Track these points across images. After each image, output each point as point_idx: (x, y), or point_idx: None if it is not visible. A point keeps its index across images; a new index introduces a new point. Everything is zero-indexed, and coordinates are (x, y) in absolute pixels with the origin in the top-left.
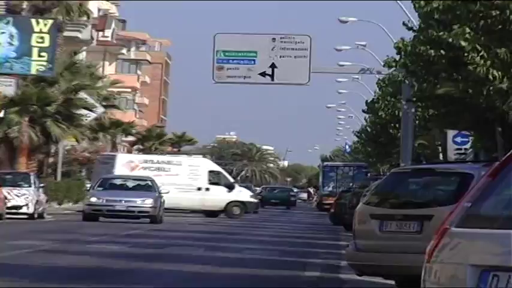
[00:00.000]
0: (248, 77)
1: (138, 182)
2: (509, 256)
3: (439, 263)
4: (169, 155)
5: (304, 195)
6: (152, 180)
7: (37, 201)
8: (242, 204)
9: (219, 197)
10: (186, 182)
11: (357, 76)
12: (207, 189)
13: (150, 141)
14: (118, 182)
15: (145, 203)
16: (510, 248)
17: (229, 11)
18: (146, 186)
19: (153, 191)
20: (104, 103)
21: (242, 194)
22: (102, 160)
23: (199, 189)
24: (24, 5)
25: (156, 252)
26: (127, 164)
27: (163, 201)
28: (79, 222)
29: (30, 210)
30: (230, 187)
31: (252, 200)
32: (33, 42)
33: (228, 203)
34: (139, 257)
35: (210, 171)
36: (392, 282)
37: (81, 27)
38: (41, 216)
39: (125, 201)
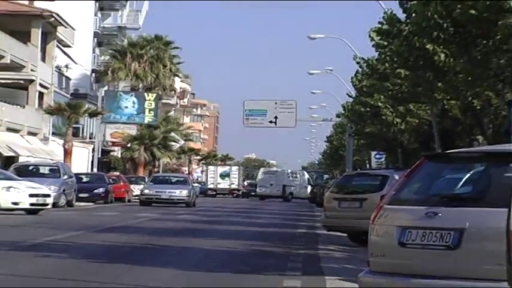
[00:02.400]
0: (262, 123)
1: (177, 178)
2: (416, 221)
3: (378, 225)
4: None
5: None
6: (187, 177)
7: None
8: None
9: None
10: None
11: (321, 122)
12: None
13: (209, 159)
14: (164, 178)
15: (182, 193)
16: (416, 216)
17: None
18: (183, 181)
19: (188, 185)
20: (184, 138)
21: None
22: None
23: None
24: (141, 85)
25: (213, 219)
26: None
27: (196, 191)
28: (139, 206)
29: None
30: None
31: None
32: (146, 106)
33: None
34: (202, 221)
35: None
36: (345, 234)
37: (171, 97)
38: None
39: (168, 192)
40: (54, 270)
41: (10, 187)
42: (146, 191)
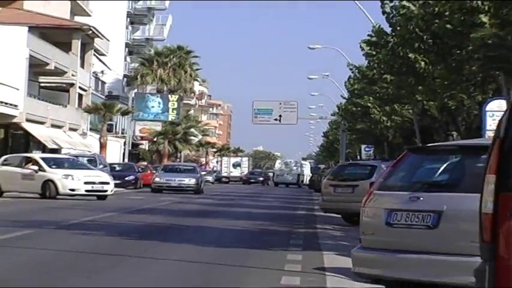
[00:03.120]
0: (268, 120)
1: (186, 167)
2: (401, 204)
3: (368, 207)
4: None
5: None
6: (196, 166)
7: (201, 181)
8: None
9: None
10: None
11: (322, 117)
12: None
13: (223, 151)
14: (174, 167)
15: (191, 181)
16: (401, 200)
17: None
18: (192, 170)
19: (196, 173)
20: (202, 133)
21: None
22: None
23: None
24: (165, 88)
25: (227, 202)
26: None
27: (204, 179)
28: (151, 193)
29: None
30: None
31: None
32: (169, 106)
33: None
34: (217, 204)
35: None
36: (340, 216)
37: (191, 98)
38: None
39: (177, 180)
40: (92, 245)
41: (68, 175)
42: (157, 179)
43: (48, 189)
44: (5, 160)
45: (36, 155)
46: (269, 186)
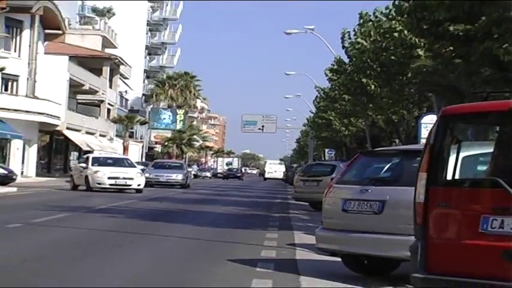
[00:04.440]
0: (253, 130)
1: (174, 164)
2: (354, 195)
3: (329, 197)
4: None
5: None
6: (183, 163)
7: (188, 177)
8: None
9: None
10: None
11: (293, 129)
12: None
13: (219, 153)
14: (163, 163)
15: (178, 176)
16: (354, 192)
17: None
18: (179, 166)
19: (183, 169)
20: (202, 139)
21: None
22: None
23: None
24: (174, 104)
25: (220, 193)
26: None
27: (190, 175)
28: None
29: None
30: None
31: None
32: (177, 118)
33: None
34: (213, 194)
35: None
36: (307, 204)
37: (194, 112)
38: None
39: (166, 176)
40: (115, 225)
41: (97, 171)
42: (147, 175)
43: (87, 182)
44: (79, 159)
45: (90, 155)
46: (248, 181)
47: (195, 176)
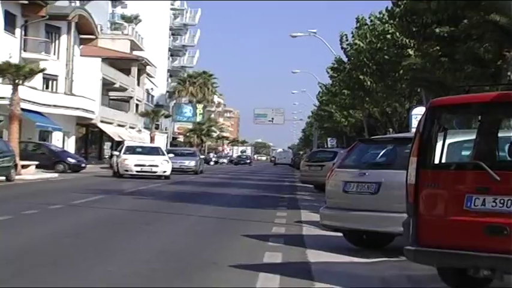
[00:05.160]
0: (264, 121)
1: (187, 151)
2: (353, 177)
3: (331, 180)
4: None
5: None
6: (196, 151)
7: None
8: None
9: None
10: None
11: (301, 119)
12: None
13: (234, 142)
14: (176, 151)
15: (191, 163)
16: (354, 175)
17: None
18: (192, 154)
19: (196, 156)
20: (219, 130)
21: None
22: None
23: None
24: (194, 100)
25: (236, 177)
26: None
27: (202, 162)
28: None
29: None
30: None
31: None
32: (197, 112)
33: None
34: (230, 178)
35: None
36: (312, 186)
37: (212, 106)
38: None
39: (179, 162)
40: (142, 206)
41: (125, 159)
42: None
43: (117, 169)
44: (115, 148)
45: (125, 144)
46: (258, 166)
47: (215, 162)
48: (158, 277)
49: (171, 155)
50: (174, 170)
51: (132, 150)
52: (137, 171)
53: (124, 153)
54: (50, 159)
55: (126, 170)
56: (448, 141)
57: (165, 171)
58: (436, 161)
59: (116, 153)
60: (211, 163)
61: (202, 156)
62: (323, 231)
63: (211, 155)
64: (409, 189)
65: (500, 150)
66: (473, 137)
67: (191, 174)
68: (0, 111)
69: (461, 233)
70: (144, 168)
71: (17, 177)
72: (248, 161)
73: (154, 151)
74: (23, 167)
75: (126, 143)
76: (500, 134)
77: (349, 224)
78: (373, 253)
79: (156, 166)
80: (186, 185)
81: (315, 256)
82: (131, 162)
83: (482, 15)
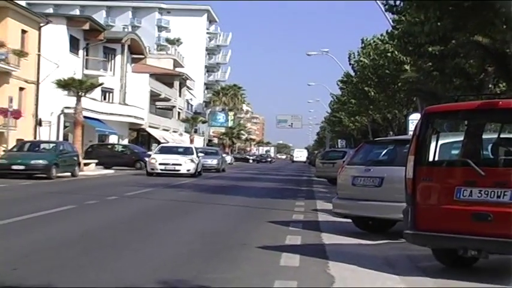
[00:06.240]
0: (284, 126)
1: (210, 150)
2: (360, 173)
3: (342, 175)
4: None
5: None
6: (218, 150)
7: (222, 162)
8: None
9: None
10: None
11: (316, 123)
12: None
13: (259, 143)
14: (200, 150)
15: (213, 162)
16: (360, 171)
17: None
18: (215, 153)
19: (218, 155)
20: (247, 133)
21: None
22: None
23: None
24: (226, 108)
25: (261, 172)
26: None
27: (225, 160)
28: (228, 164)
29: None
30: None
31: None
32: (229, 118)
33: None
34: (256, 173)
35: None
36: (326, 180)
37: (241, 113)
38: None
39: (202, 161)
40: (184, 197)
41: (153, 158)
42: None
43: (145, 168)
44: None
45: (161, 145)
46: (278, 164)
47: (246, 159)
48: (197, 256)
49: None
50: None
51: (163, 150)
52: (161, 170)
53: (155, 153)
54: (131, 159)
55: (152, 169)
56: (440, 142)
57: (188, 170)
58: (430, 159)
59: (150, 152)
60: (250, 161)
61: (224, 155)
62: (335, 218)
63: (239, 153)
64: (407, 183)
65: (484, 149)
66: (462, 138)
67: (213, 172)
68: (66, 119)
69: (452, 219)
70: (168, 167)
71: (80, 173)
72: (269, 159)
73: (187, 151)
74: (86, 164)
75: (163, 143)
76: (484, 136)
77: (357, 212)
78: (378, 236)
79: (179, 165)
80: (219, 179)
81: (328, 239)
82: (157, 161)
83: (467, 37)
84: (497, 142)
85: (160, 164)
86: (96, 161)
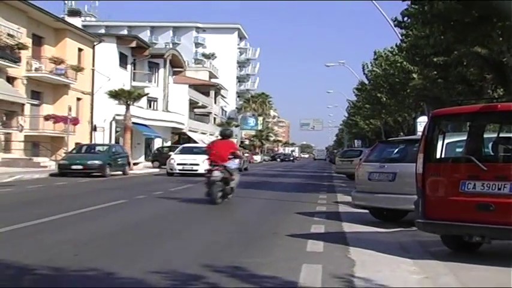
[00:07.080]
0: (307, 129)
1: None
2: (376, 169)
3: (359, 171)
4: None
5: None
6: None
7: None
8: None
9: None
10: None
11: (333, 127)
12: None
13: (286, 144)
14: None
15: (234, 161)
16: (376, 167)
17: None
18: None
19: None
20: (275, 136)
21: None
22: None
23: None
24: (256, 113)
25: (288, 169)
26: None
27: (245, 161)
28: (257, 163)
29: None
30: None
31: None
32: (258, 122)
33: None
34: (284, 170)
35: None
36: (345, 175)
37: (269, 118)
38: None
39: None
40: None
41: (172, 159)
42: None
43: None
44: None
45: (182, 145)
46: (301, 162)
47: (274, 158)
48: (234, 243)
49: None
50: None
51: (183, 150)
52: (179, 170)
53: (175, 153)
54: None
55: (171, 169)
56: (446, 141)
57: (205, 170)
58: (438, 156)
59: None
60: (278, 160)
61: (246, 155)
62: (354, 209)
63: (277, 155)
64: (418, 177)
65: (485, 147)
66: (465, 138)
67: (277, 164)
68: (117, 124)
69: (458, 209)
70: (186, 167)
71: (130, 171)
72: (291, 158)
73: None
74: (135, 164)
75: (186, 144)
76: (485, 135)
77: (373, 203)
78: (392, 225)
79: (197, 165)
80: (250, 176)
81: (348, 227)
82: (175, 161)
83: (468, 48)
84: (497, 141)
85: (178, 164)
86: (143, 160)
